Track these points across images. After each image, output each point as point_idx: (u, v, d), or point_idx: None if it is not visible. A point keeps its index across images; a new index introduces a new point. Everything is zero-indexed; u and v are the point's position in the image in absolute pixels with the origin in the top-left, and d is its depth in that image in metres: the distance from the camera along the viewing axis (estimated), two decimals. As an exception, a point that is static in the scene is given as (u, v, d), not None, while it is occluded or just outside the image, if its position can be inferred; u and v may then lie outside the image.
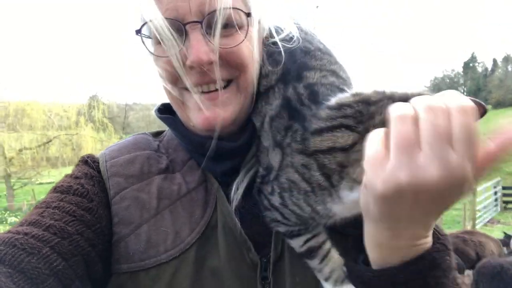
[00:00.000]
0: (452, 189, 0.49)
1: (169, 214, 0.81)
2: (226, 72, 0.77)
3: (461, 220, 12.76)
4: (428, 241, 0.59)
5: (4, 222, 15.88)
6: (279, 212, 0.75)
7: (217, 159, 0.82)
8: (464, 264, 4.64)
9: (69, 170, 0.92)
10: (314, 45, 0.85)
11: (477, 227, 11.49)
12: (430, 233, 0.60)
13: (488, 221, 14.60)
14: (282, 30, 0.87)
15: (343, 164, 0.62)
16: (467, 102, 0.50)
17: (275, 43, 0.84)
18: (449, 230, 13.23)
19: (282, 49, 0.82)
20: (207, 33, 0.74)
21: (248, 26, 0.77)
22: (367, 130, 0.57)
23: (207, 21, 0.73)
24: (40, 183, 23.62)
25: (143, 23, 0.76)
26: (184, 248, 0.78)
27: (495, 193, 16.61)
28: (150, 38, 0.78)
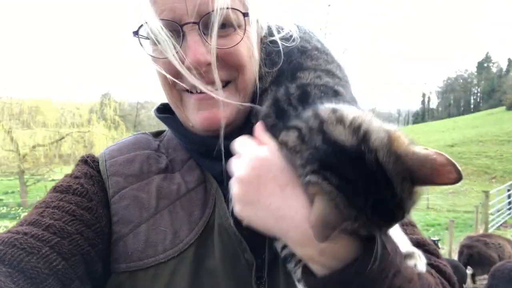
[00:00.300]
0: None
1: (168, 213, 0.81)
2: (224, 73, 0.77)
3: (473, 223, 12.56)
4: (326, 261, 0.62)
5: (18, 218, 16.17)
6: None
7: (215, 158, 0.82)
8: (487, 267, 4.58)
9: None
10: (311, 44, 0.84)
11: (490, 231, 11.28)
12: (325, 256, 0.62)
13: (501, 225, 14.34)
14: (281, 29, 0.86)
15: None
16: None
17: (273, 42, 0.83)
18: (460, 233, 13.08)
19: (281, 48, 0.81)
20: (204, 34, 0.73)
21: (245, 26, 0.77)
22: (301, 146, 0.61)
23: (204, 22, 0.73)
24: (53, 180, 23.97)
25: (140, 25, 0.76)
26: (183, 248, 0.78)
27: (509, 196, 16.27)
28: (148, 39, 0.78)
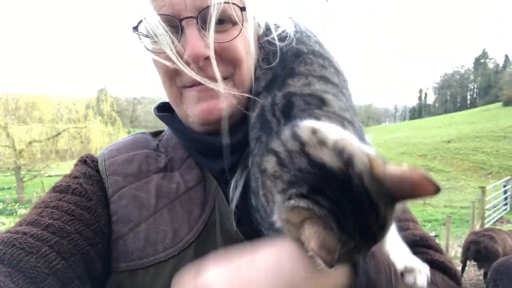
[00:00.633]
0: None
1: (168, 212, 0.81)
2: (222, 68, 0.77)
3: (470, 219, 12.64)
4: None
5: (14, 214, 16.16)
6: (257, 213, 0.75)
7: (214, 156, 0.82)
8: (492, 262, 4.63)
9: (77, 162, 0.93)
10: (308, 47, 0.83)
11: (486, 226, 11.35)
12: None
13: (497, 220, 14.43)
14: (278, 28, 0.86)
15: (272, 193, 0.61)
16: None
17: (270, 42, 0.84)
18: (457, 229, 13.18)
19: (278, 48, 0.81)
20: (202, 29, 0.74)
21: (243, 21, 0.78)
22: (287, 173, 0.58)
23: (202, 16, 0.74)
24: (49, 176, 23.95)
25: (139, 21, 0.76)
26: (183, 246, 0.78)
27: (505, 192, 16.39)
28: (147, 37, 0.78)
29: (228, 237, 0.79)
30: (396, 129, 58.60)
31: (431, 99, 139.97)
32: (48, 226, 0.70)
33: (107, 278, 0.78)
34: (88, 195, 0.80)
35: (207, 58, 0.74)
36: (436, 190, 0.51)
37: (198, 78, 0.75)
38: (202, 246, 0.79)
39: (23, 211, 16.55)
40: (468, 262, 6.43)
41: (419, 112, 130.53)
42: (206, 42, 0.74)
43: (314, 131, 0.59)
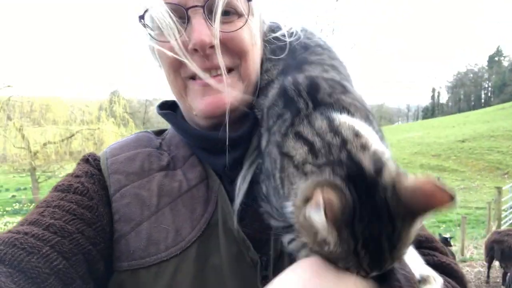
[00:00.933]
0: None
1: (170, 211, 0.81)
2: (227, 59, 0.78)
3: (486, 220, 12.39)
4: None
5: (30, 214, 16.43)
6: (267, 203, 0.74)
7: (217, 152, 0.82)
8: None
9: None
10: (313, 41, 0.85)
11: (503, 227, 11.09)
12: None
13: (514, 221, 14.11)
14: (284, 26, 0.87)
15: (290, 180, 0.62)
16: None
17: (276, 38, 0.85)
18: (472, 230, 12.93)
19: (285, 42, 0.82)
20: (208, 18, 0.75)
21: (248, 13, 0.78)
22: (319, 167, 0.58)
23: (208, 6, 0.74)
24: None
25: (144, 10, 0.76)
26: (185, 246, 0.77)
27: (522, 192, 16.00)
28: (152, 30, 0.78)
29: (230, 236, 0.78)
30: (409, 129, 57.89)
31: (444, 98, 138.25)
32: (50, 225, 0.70)
33: (110, 278, 0.78)
34: (90, 194, 0.79)
35: (213, 47, 0.74)
36: (452, 200, 0.50)
37: (200, 73, 0.75)
38: (204, 245, 0.78)
39: (38, 211, 16.81)
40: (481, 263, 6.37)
41: (432, 111, 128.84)
42: (212, 31, 0.74)
43: (357, 134, 0.61)
